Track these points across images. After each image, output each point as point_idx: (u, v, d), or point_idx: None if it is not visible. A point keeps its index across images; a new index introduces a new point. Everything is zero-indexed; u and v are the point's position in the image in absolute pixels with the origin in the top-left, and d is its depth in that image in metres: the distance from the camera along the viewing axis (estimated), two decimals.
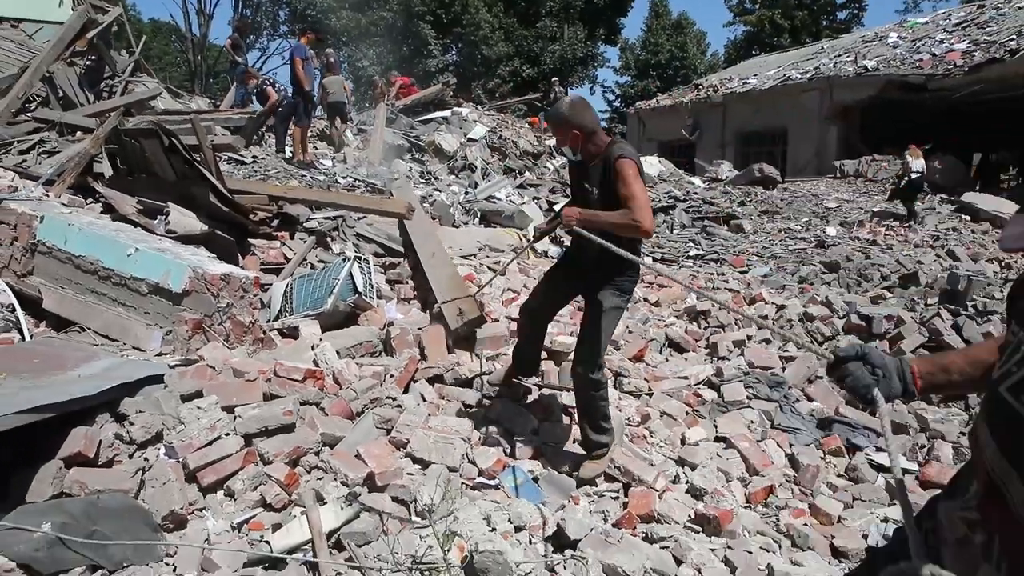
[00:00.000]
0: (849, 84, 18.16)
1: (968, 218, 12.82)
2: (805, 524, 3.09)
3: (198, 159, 5.94)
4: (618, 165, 2.94)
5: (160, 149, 5.92)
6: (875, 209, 13.89)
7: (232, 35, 14.78)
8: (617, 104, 40.71)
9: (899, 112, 17.65)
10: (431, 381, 3.95)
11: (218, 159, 6.56)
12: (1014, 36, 15.90)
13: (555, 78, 20.89)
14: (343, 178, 8.84)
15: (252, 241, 5.91)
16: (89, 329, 4.42)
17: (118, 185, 6.27)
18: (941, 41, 18.20)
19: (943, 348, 4.72)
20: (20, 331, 4.29)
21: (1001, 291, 6.65)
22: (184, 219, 5.65)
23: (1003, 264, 9.60)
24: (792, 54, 25.97)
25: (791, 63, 23.06)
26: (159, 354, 3.98)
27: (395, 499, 2.88)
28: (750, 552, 2.83)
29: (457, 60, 29.16)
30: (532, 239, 5.01)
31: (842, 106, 18.35)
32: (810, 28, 37.91)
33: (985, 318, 5.17)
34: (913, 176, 12.92)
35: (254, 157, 8.92)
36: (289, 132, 10.49)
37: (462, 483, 3.05)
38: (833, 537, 2.97)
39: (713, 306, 5.49)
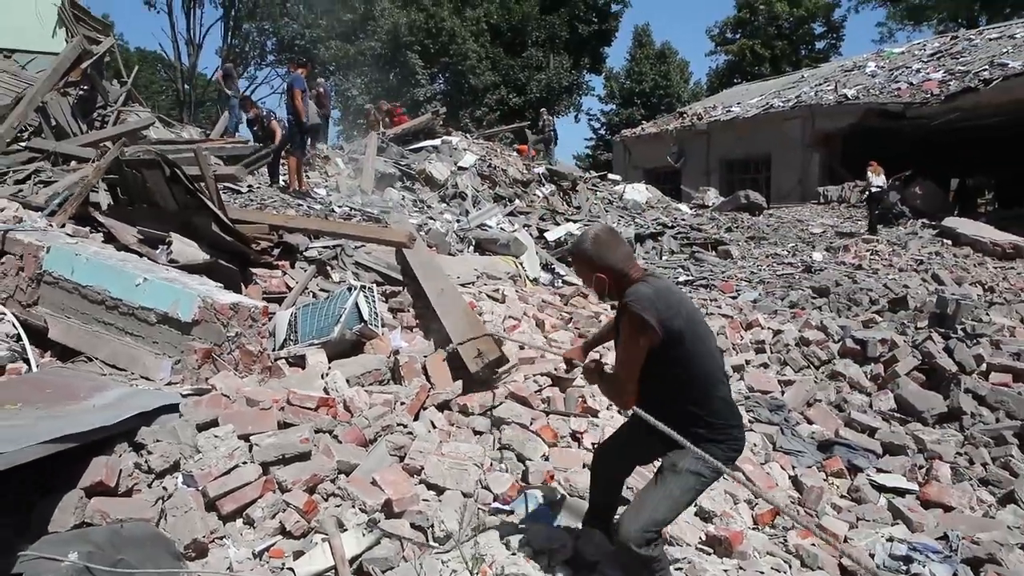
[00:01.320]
0: (830, 112, 18.57)
1: (949, 242, 13.09)
2: (813, 544, 3.15)
3: (200, 189, 6.01)
4: (626, 313, 2.41)
5: (162, 179, 5.98)
6: (840, 229, 14.25)
7: (224, 66, 14.92)
8: (602, 132, 41.25)
9: (879, 139, 18.05)
10: (440, 408, 3.99)
11: (219, 189, 6.61)
12: (987, 66, 16.39)
13: (543, 108, 21.20)
14: (339, 207, 8.92)
15: (254, 270, 5.95)
16: (96, 359, 4.44)
17: (118, 215, 6.31)
18: (917, 71, 18.71)
19: (936, 371, 4.85)
20: (27, 361, 4.31)
21: (987, 314, 6.82)
22: (186, 249, 5.69)
23: (986, 288, 9.82)
24: (773, 83, 26.53)
25: (773, 92, 23.56)
26: (169, 383, 4.00)
27: (413, 525, 2.92)
28: (761, 573, 2.90)
29: (444, 89, 29.53)
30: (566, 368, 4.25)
31: (824, 133, 18.75)
32: (789, 57, 38.76)
33: (975, 340, 5.31)
34: (874, 190, 14.18)
35: (249, 186, 8.98)
36: (283, 162, 10.60)
37: (478, 508, 3.09)
38: (841, 557, 3.04)
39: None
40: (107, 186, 7.04)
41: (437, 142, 15.97)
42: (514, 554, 2.68)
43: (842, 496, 3.71)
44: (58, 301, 4.72)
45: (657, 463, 2.61)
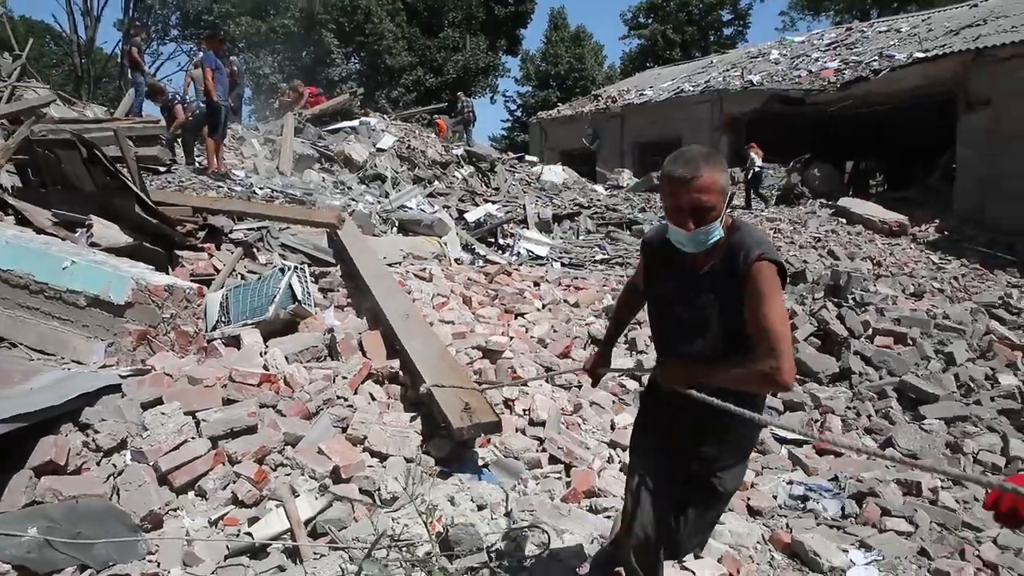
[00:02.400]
0: (737, 97, 19.41)
1: (844, 221, 14.04)
2: None
3: (121, 171, 5.90)
4: (755, 271, 1.89)
5: (79, 160, 5.84)
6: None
7: (134, 39, 14.26)
8: (519, 114, 41.56)
9: (782, 124, 19.03)
10: (378, 382, 4.16)
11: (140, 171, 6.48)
12: (876, 57, 17.50)
13: (460, 91, 21.24)
14: (260, 189, 8.83)
15: (179, 253, 5.90)
16: (21, 344, 4.36)
17: (29, 197, 6.11)
18: (816, 59, 19.76)
19: (830, 336, 5.36)
20: None
21: (875, 285, 7.48)
22: (108, 232, 5.60)
23: (875, 262, 10.68)
24: (684, 67, 27.38)
25: (683, 76, 24.35)
26: (103, 366, 4.01)
27: (361, 490, 3.11)
28: None
29: (360, 69, 29.05)
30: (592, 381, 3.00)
31: (731, 117, 19.58)
32: (699, 43, 40.03)
33: (863, 308, 5.87)
34: (757, 169, 15.57)
35: (167, 168, 8.76)
36: (198, 143, 10.35)
37: (422, 471, 3.30)
38: (748, 499, 3.42)
39: None
40: (15, 167, 6.79)
41: (355, 123, 15.84)
42: (459, 507, 2.92)
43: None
44: None
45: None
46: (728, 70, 22.39)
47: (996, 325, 6.08)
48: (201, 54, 9.77)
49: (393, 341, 4.39)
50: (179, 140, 10.36)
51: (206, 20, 26.66)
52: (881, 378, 4.99)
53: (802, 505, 3.44)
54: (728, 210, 1.97)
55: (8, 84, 12.11)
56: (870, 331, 5.51)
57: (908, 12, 27.30)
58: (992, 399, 4.73)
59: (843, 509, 3.40)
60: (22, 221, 5.73)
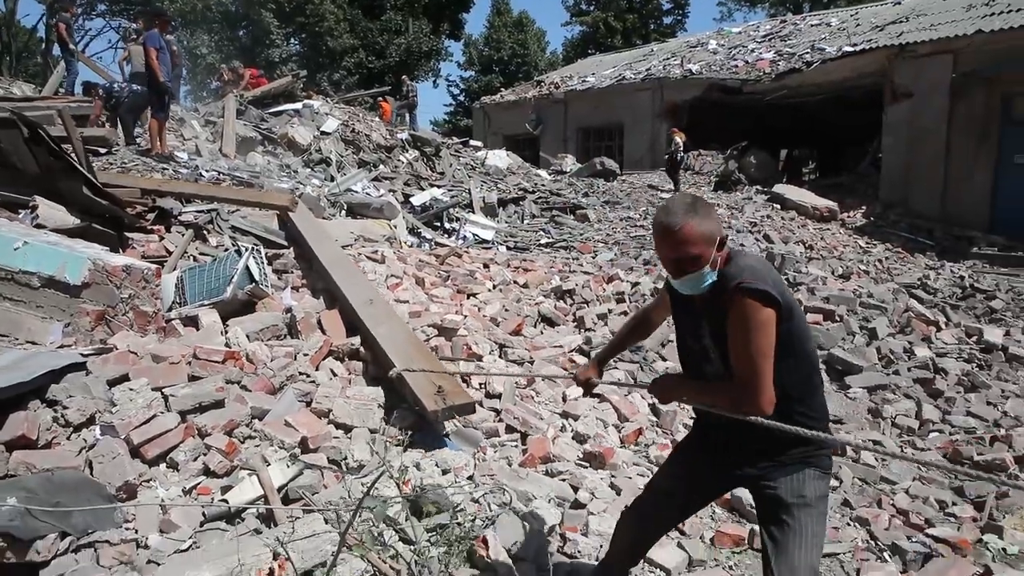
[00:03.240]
0: (677, 85, 19.88)
1: (779, 206, 14.63)
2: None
3: (66, 151, 5.81)
4: (733, 302, 1.96)
5: (20, 140, 5.73)
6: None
7: (63, 15, 13.74)
8: (462, 98, 41.46)
9: (720, 112, 19.61)
10: (339, 359, 4.29)
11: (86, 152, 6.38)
12: (808, 49, 18.21)
13: (405, 75, 21.12)
14: (206, 171, 8.73)
15: (129, 235, 5.86)
16: None
17: None
18: (752, 50, 20.40)
19: None
20: None
21: (806, 267, 7.93)
22: (54, 213, 5.54)
23: (807, 246, 11.22)
24: (625, 55, 27.82)
25: (625, 64, 24.76)
26: (61, 346, 4.02)
27: (330, 460, 3.26)
28: (630, 478, 3.49)
29: (301, 51, 28.51)
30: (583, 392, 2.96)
31: (672, 104, 20.06)
32: (640, 31, 40.63)
33: (796, 288, 6.26)
34: (680, 154, 16.30)
35: (107, 150, 8.57)
36: (140, 123, 10.13)
37: (387, 441, 3.46)
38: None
39: (577, 285, 6.20)
40: None
41: (298, 106, 15.63)
42: (424, 471, 3.09)
43: (691, 417, 4.40)
44: None
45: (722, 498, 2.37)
46: (668, 58, 22.88)
47: (915, 303, 6.56)
48: (145, 32, 9.55)
49: (356, 325, 4.49)
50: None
51: None
52: None
53: None
54: (722, 249, 2.01)
55: None
56: (801, 309, 5.88)
57: (838, 7, 28.33)
58: (909, 369, 5.15)
59: None
60: None
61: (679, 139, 16.32)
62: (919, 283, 8.28)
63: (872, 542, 3.06)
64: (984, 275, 9.75)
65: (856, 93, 16.83)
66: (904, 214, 14.59)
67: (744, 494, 3.31)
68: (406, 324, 4.54)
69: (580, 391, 4.42)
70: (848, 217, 14.76)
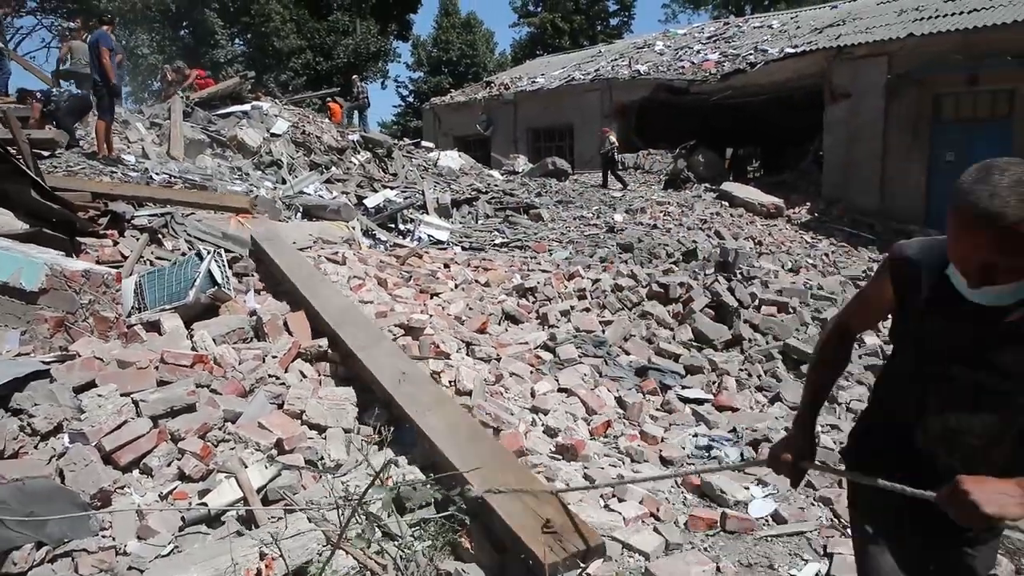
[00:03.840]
0: (625, 86, 20.20)
1: (727, 204, 15.00)
2: (639, 446, 3.90)
3: (12, 154, 5.63)
4: None
5: None
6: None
7: None
8: (411, 99, 41.24)
9: (668, 112, 19.99)
10: (307, 360, 4.27)
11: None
12: (752, 51, 18.72)
13: (355, 75, 20.92)
14: (156, 174, 8.54)
15: (81, 240, 5.71)
16: None
17: None
18: (698, 51, 20.86)
19: (722, 307, 5.89)
20: None
21: (757, 262, 8.18)
22: (1, 218, 5.36)
23: (756, 241, 11.55)
24: (574, 56, 28.10)
25: (574, 65, 25.01)
26: (18, 355, 3.90)
27: (306, 460, 3.25)
28: (602, 468, 3.58)
29: (246, 51, 27.95)
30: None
31: (621, 105, 20.37)
32: (587, 32, 41.07)
33: (750, 282, 6.47)
34: (611, 153, 16.81)
35: (51, 153, 8.30)
36: (78, 126, 9.84)
37: (363, 440, 3.48)
38: (660, 451, 3.81)
39: (538, 282, 6.29)
40: None
41: (247, 107, 15.36)
42: (402, 467, 3.12)
43: (657, 409, 4.54)
44: None
45: None
46: (616, 59, 23.20)
47: None
48: (94, 31, 9.30)
49: (392, 407, 3.54)
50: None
51: None
52: (768, 343, 5.55)
53: (707, 454, 3.87)
54: None
55: None
56: (757, 302, 6.09)
57: (778, 10, 29.16)
58: (859, 357, 5.38)
59: (742, 455, 3.86)
60: None
61: (612, 138, 16.82)
62: (863, 275, 8.62)
63: (836, 520, 3.21)
64: None
65: (798, 93, 17.37)
66: (845, 210, 15.14)
67: (714, 478, 3.43)
68: (458, 405, 3.53)
69: (547, 386, 4.52)
70: (793, 213, 15.23)
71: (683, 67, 19.63)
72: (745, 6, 38.20)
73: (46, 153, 8.17)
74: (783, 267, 8.42)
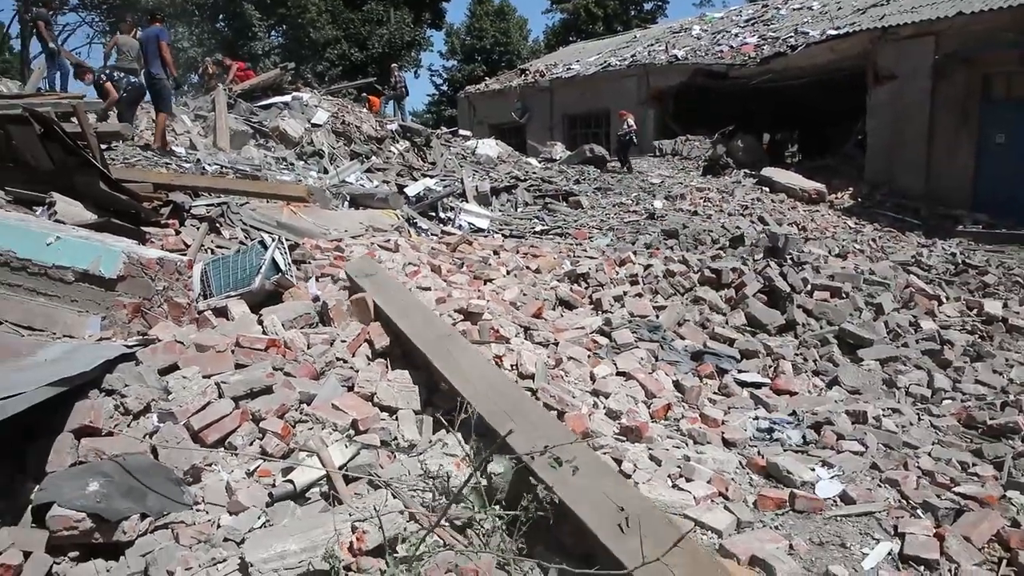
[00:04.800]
0: (662, 71, 20.05)
1: (767, 189, 14.85)
2: (700, 428, 3.95)
3: (81, 147, 5.83)
4: None
5: (35, 137, 5.74)
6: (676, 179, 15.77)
7: (38, 10, 13.61)
8: (445, 88, 41.36)
9: (706, 97, 19.80)
10: (372, 345, 4.38)
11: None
12: (792, 33, 18.43)
13: (394, 64, 21.07)
14: (209, 165, 8.74)
15: (145, 229, 5.90)
16: (6, 322, 4.35)
17: None
18: (736, 35, 20.62)
19: (775, 292, 5.89)
20: None
21: (805, 247, 8.12)
22: (71, 208, 5.58)
23: (800, 227, 11.44)
24: (608, 41, 27.92)
25: (609, 51, 24.87)
26: (101, 339, 4.07)
27: (382, 441, 3.36)
28: (667, 450, 3.64)
29: (283, 43, 28.28)
30: None
31: (657, 91, 20.23)
32: (621, 17, 40.70)
33: (801, 267, 6.44)
34: (629, 136, 17.14)
35: (107, 145, 8.54)
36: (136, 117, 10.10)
37: (433, 421, 3.57)
38: (723, 432, 3.86)
39: (589, 268, 6.34)
40: None
41: (287, 98, 15.57)
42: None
43: (715, 393, 4.57)
44: None
45: None
46: (653, 44, 23.01)
47: (915, 279, 6.78)
48: (150, 27, 9.55)
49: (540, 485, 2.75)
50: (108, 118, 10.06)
51: None
52: (822, 327, 5.54)
53: (769, 436, 3.90)
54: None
55: None
56: (809, 287, 6.06)
57: None
58: (917, 341, 5.35)
59: (804, 437, 3.88)
60: None
61: (630, 121, 16.98)
62: (913, 260, 8.51)
63: (904, 501, 3.23)
64: (973, 252, 10.01)
65: (839, 76, 17.07)
66: (890, 194, 14.88)
67: (780, 460, 3.47)
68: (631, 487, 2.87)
69: (606, 370, 4.58)
70: (836, 199, 15.01)
71: (721, 51, 19.40)
72: None
73: (103, 146, 8.42)
74: (830, 252, 8.34)
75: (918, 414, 4.31)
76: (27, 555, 2.50)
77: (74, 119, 6.79)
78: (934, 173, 14.73)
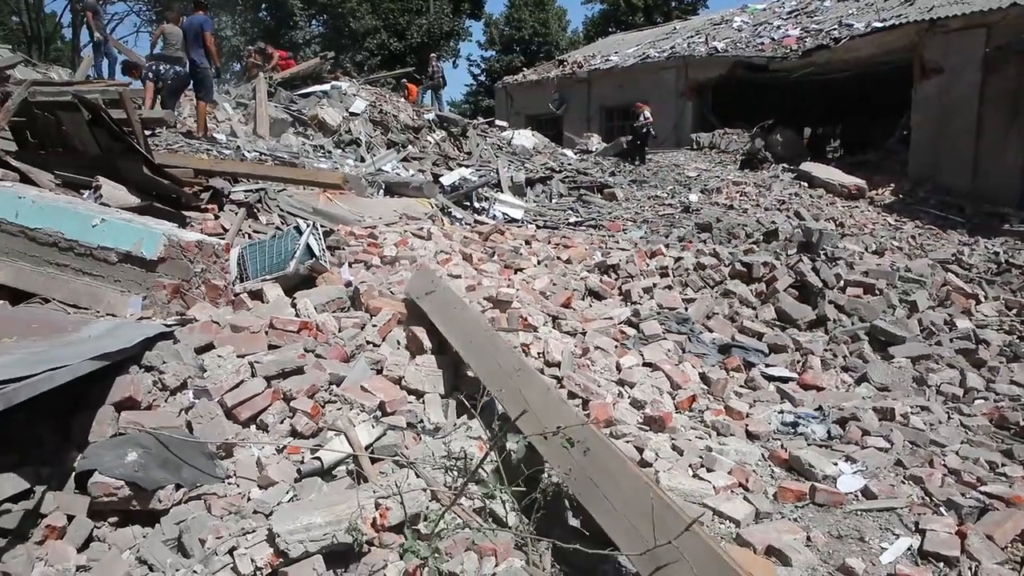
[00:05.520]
0: (702, 63, 19.81)
1: (806, 184, 14.63)
2: (724, 420, 3.96)
3: (126, 132, 6.01)
4: None
5: (83, 122, 5.93)
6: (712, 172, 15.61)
7: (89, 2, 13.98)
8: (483, 79, 41.42)
9: (745, 89, 19.52)
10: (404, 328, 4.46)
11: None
12: (836, 26, 18.05)
13: (432, 55, 21.19)
14: (248, 152, 8.93)
15: (186, 214, 6.07)
16: (54, 299, 4.54)
17: (28, 159, 6.18)
18: (778, 27, 20.24)
19: (806, 287, 5.84)
20: None
21: (840, 243, 8.00)
22: (116, 192, 5.75)
23: (837, 223, 11.26)
24: (648, 33, 27.66)
25: (648, 42, 24.64)
26: (141, 318, 4.23)
27: (408, 423, 3.44)
28: (690, 440, 3.66)
29: (323, 32, 28.61)
30: None
31: (696, 83, 20.01)
32: (661, 8, 40.24)
33: (834, 263, 6.37)
34: (646, 128, 17.14)
35: (151, 132, 8.78)
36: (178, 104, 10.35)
37: (460, 402, 3.64)
38: (747, 425, 3.86)
39: (620, 260, 6.35)
40: (10, 130, 6.80)
41: (326, 87, 15.78)
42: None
43: (741, 386, 4.57)
44: (0, 246, 4.72)
45: None
46: (692, 36, 22.75)
47: (952, 277, 6.64)
48: (195, 16, 9.77)
49: None
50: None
51: None
52: (853, 324, 5.48)
53: (793, 430, 3.89)
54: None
55: None
56: (842, 283, 5.99)
57: None
58: (951, 340, 5.25)
59: (828, 432, 3.86)
60: (23, 183, 5.82)
61: (646, 112, 16.93)
62: (953, 259, 8.32)
63: (927, 498, 3.20)
64: (1019, 251, 9.75)
65: (884, 69, 16.69)
66: (933, 191, 14.54)
67: (803, 453, 3.46)
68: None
69: (633, 360, 4.60)
70: (876, 194, 14.72)
71: (762, 43, 19.09)
72: None
73: (147, 132, 8.66)
74: (867, 249, 8.22)
75: (948, 413, 4.25)
76: (70, 518, 2.64)
77: (120, 106, 7.04)
78: (981, 170, 14.34)
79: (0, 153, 6.11)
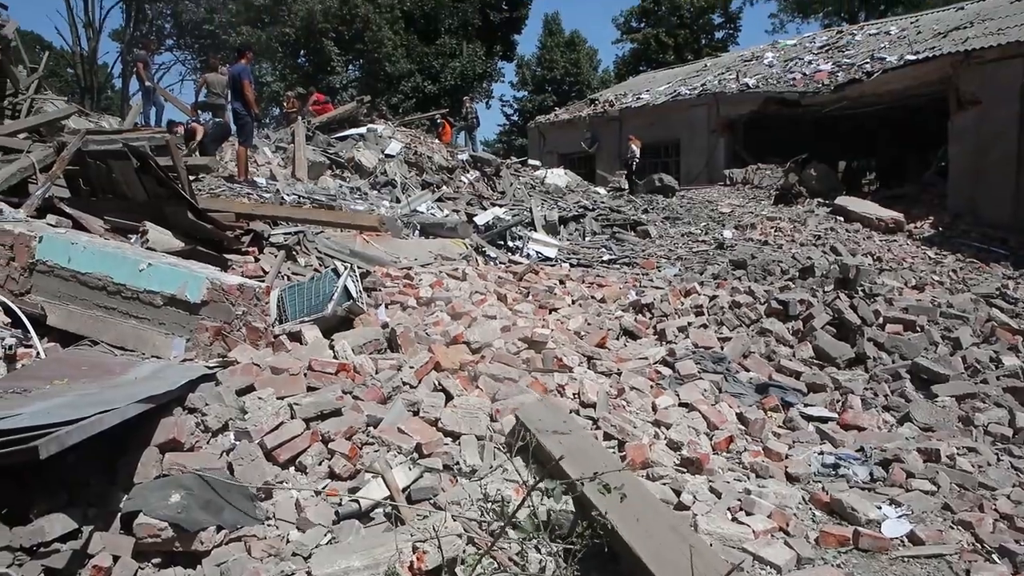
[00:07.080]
0: (733, 100, 19.87)
1: (841, 219, 14.46)
2: (763, 461, 3.90)
3: (172, 179, 6.23)
4: None
5: (131, 170, 6.17)
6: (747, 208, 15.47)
7: (138, 52, 14.61)
8: (515, 118, 42.06)
9: (778, 125, 19.50)
10: (439, 370, 4.50)
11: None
12: (868, 59, 18.01)
13: (467, 96, 21.63)
14: (287, 195, 9.17)
15: (227, 256, 6.24)
16: (102, 342, 4.69)
17: (79, 206, 6.42)
18: (809, 62, 20.26)
19: (845, 324, 5.75)
20: (28, 347, 4.51)
21: (879, 279, 7.88)
22: (162, 237, 5.94)
23: (875, 258, 11.10)
24: (679, 71, 27.87)
25: (679, 80, 24.82)
26: (184, 360, 4.34)
27: (444, 465, 3.46)
28: (728, 483, 3.61)
29: (360, 77, 29.41)
30: None
31: (728, 120, 20.05)
32: (691, 46, 40.60)
33: (872, 299, 6.27)
34: (637, 160, 18.04)
35: (195, 177, 9.08)
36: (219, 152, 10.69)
37: (494, 448, 3.65)
38: (787, 467, 3.80)
39: (654, 299, 6.34)
40: (64, 177, 7.09)
41: (363, 130, 16.15)
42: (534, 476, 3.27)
43: (779, 426, 4.50)
44: (53, 289, 4.89)
45: None
46: (723, 73, 22.86)
47: (997, 313, 6.48)
48: (235, 65, 10.15)
49: None
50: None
51: (205, 30, 26.97)
52: (894, 362, 5.37)
53: (834, 472, 3.81)
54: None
55: (27, 97, 12.35)
56: (881, 319, 5.90)
57: (896, 15, 27.87)
58: (998, 378, 5.12)
59: (871, 474, 3.78)
60: (76, 228, 6.05)
61: (635, 146, 17.44)
62: (998, 293, 8.13)
63: (978, 544, 3.11)
64: None
65: (918, 102, 16.55)
66: (974, 223, 14.26)
67: (845, 496, 3.39)
68: None
69: (669, 401, 4.57)
70: (915, 228, 14.49)
71: (793, 79, 19.11)
72: (859, 13, 36.70)
73: (191, 177, 8.95)
74: (906, 284, 8.08)
75: (997, 454, 4.13)
76: (116, 559, 2.70)
77: (167, 153, 7.31)
78: (1023, 200, 14.05)
79: (55, 200, 6.38)
